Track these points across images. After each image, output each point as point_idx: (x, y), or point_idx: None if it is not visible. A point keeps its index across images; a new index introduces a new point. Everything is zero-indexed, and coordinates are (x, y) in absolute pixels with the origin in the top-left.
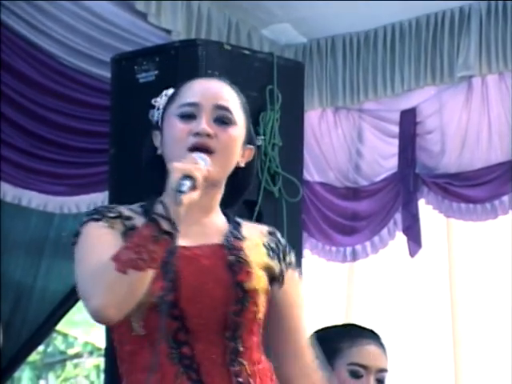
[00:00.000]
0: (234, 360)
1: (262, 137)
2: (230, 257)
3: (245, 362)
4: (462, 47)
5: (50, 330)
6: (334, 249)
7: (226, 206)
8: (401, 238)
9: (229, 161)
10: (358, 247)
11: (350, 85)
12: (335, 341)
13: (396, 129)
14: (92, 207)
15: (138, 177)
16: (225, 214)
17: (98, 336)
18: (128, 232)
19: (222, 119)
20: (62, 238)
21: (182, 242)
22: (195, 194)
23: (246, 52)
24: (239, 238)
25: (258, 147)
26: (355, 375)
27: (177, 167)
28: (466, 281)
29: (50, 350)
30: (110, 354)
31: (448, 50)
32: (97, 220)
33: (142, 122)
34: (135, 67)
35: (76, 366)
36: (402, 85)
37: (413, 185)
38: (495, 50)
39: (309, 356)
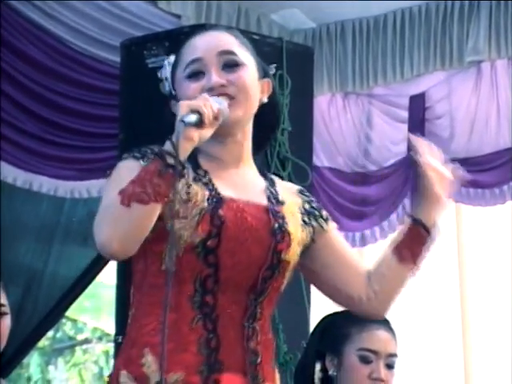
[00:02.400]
0: (251, 324)
1: (274, 65)
2: (275, 223)
3: (258, 329)
4: (472, 32)
5: (60, 316)
6: (342, 234)
7: (258, 146)
8: None
9: (250, 101)
10: (367, 232)
11: (359, 70)
12: (344, 326)
13: (405, 114)
14: (103, 192)
15: None
16: (257, 167)
17: (107, 322)
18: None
19: (230, 63)
20: (72, 223)
21: (226, 192)
22: (207, 132)
23: (256, 37)
24: (280, 202)
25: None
26: (365, 360)
27: (183, 103)
28: (475, 265)
29: (58, 335)
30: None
31: (457, 35)
32: (136, 158)
33: (151, 107)
34: (145, 52)
35: (85, 351)
36: (411, 70)
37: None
38: (504, 35)
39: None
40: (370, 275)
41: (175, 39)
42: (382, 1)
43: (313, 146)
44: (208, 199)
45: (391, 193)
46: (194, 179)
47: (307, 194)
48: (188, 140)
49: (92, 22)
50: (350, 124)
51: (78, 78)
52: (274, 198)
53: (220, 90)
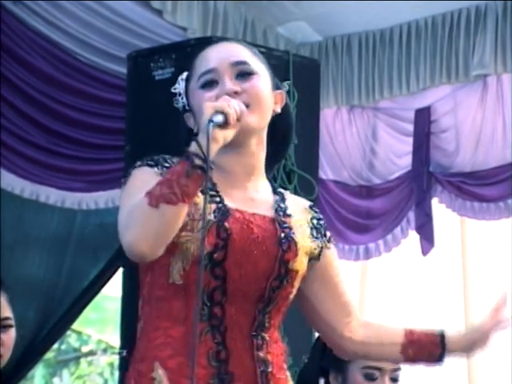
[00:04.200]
0: (259, 334)
1: (288, 81)
2: (281, 233)
3: (267, 338)
4: (478, 46)
5: (67, 328)
6: (347, 247)
7: (272, 161)
8: (414, 237)
9: (264, 109)
10: (371, 245)
11: (365, 83)
12: None
13: (410, 127)
14: (110, 203)
15: None
16: (269, 181)
17: (111, 334)
18: None
19: (243, 73)
20: (83, 235)
21: (232, 204)
22: (230, 133)
23: (262, 50)
24: (288, 215)
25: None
26: (370, 378)
27: (208, 104)
28: (480, 279)
29: (63, 347)
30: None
31: (463, 49)
32: (151, 166)
33: (158, 119)
34: (151, 64)
35: (90, 363)
36: (417, 83)
37: (426, 183)
38: (510, 49)
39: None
40: (369, 325)
41: (182, 51)
42: (388, 14)
43: (319, 159)
44: (214, 211)
45: (395, 206)
46: (202, 191)
47: (317, 210)
48: (215, 141)
49: (99, 33)
50: (355, 137)
51: (85, 89)
52: (281, 211)
53: (234, 98)
